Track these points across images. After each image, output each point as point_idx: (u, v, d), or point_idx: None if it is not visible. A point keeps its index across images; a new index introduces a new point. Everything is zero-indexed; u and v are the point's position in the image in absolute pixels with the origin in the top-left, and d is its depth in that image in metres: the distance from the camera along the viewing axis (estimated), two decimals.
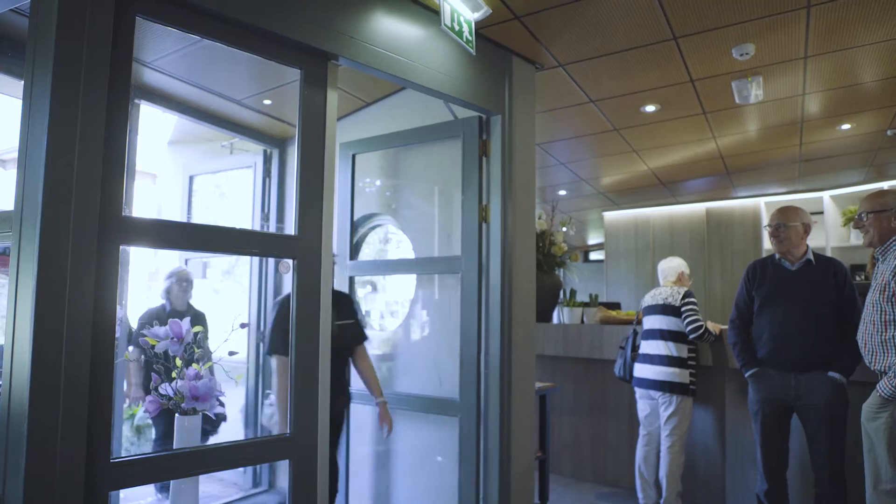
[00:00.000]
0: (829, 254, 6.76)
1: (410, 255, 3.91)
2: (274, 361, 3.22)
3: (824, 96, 4.59)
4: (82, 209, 1.84)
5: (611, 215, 9.14)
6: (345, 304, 3.53)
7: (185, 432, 2.56)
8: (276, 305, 3.39)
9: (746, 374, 3.56)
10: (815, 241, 3.64)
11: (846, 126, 5.29)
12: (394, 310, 4.31)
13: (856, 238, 6.84)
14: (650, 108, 4.78)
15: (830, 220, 7.20)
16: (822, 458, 3.30)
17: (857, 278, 6.28)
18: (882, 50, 3.75)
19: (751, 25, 3.42)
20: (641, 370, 4.11)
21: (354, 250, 4.07)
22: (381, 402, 3.51)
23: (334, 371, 3.43)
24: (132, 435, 5.47)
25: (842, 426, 3.24)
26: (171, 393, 2.57)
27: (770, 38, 3.57)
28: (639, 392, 4.17)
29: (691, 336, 4.00)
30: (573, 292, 5.43)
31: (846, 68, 4.06)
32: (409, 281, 4.01)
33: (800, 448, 3.66)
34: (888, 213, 3.08)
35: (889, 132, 5.40)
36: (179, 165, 5.10)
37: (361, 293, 4.29)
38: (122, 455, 2.02)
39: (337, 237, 3.89)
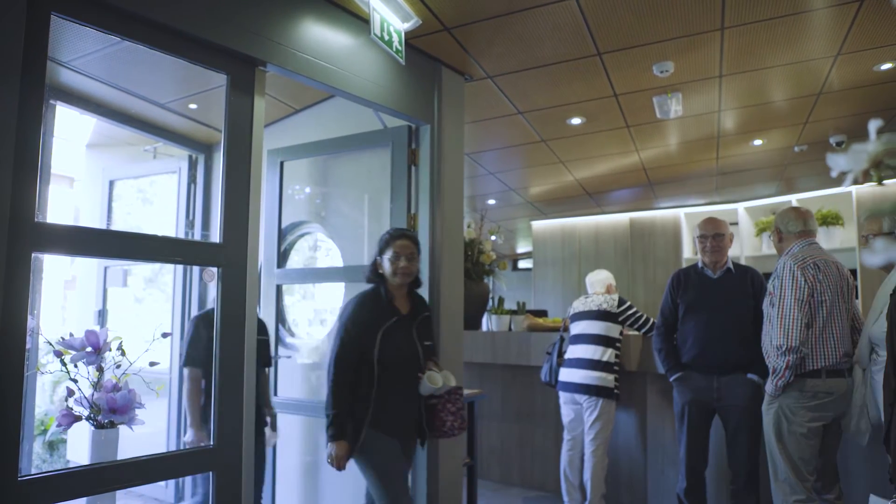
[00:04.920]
0: (743, 262, 7.10)
1: (339, 262, 3.88)
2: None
3: (738, 113, 4.83)
4: None
5: (539, 224, 9.31)
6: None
7: (102, 446, 2.47)
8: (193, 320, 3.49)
9: (672, 378, 3.70)
10: (731, 250, 3.82)
11: (758, 142, 5.58)
12: (322, 318, 4.27)
13: (768, 248, 7.20)
14: (576, 121, 4.91)
15: (745, 230, 7.55)
16: (740, 456, 3.47)
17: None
18: (789, 71, 3.99)
19: (670, 44, 3.57)
20: (568, 374, 4.20)
21: (282, 258, 4.02)
22: None
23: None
24: (44, 451, 5.21)
25: (759, 425, 3.41)
26: (86, 405, 2.47)
27: (688, 56, 3.74)
28: (563, 397, 4.26)
29: (644, 331, 4.17)
30: (501, 300, 5.51)
31: (757, 87, 4.29)
32: (337, 289, 3.98)
33: (715, 447, 3.82)
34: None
35: (796, 148, 5.72)
36: (99, 169, 4.91)
37: (289, 301, 4.23)
38: (33, 472, 1.92)
39: (264, 245, 3.83)
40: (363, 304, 2.82)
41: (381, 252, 2.88)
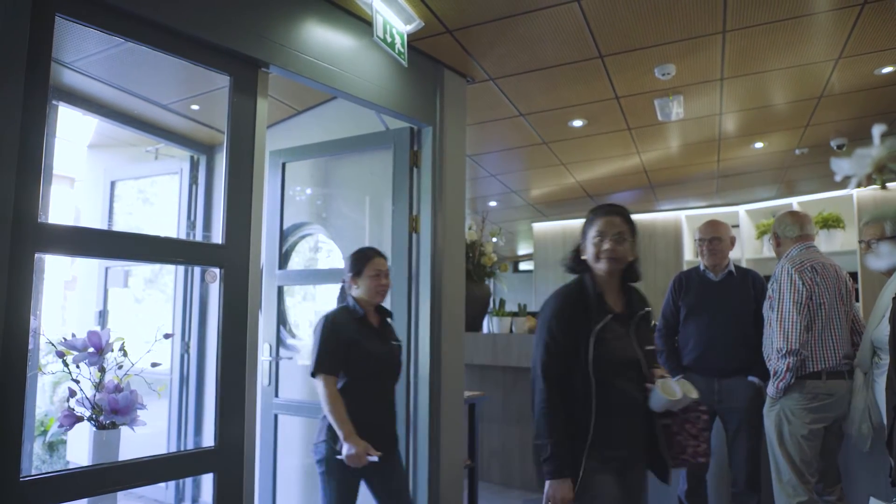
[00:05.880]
0: (744, 265, 7.09)
1: (341, 264, 3.88)
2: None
3: (739, 116, 4.84)
4: None
5: (540, 226, 9.31)
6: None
7: (103, 447, 2.47)
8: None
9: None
10: (732, 252, 3.83)
11: (759, 144, 5.58)
12: None
13: (769, 250, 7.20)
14: (577, 123, 4.91)
15: (746, 233, 7.55)
16: (740, 459, 3.47)
17: None
18: (790, 75, 3.99)
19: (672, 47, 3.58)
20: None
21: (284, 259, 4.02)
22: None
23: None
24: (43, 452, 5.21)
25: (759, 428, 3.42)
26: (88, 406, 2.48)
27: (689, 59, 3.74)
28: None
29: None
30: (502, 302, 5.51)
31: (759, 90, 4.29)
32: (338, 290, 3.97)
33: (716, 449, 3.82)
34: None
35: (797, 151, 5.72)
36: (100, 170, 4.91)
37: (290, 303, 4.23)
38: (34, 473, 1.93)
39: (266, 246, 3.83)
40: (566, 301, 2.22)
41: (583, 233, 2.30)
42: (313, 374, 2.73)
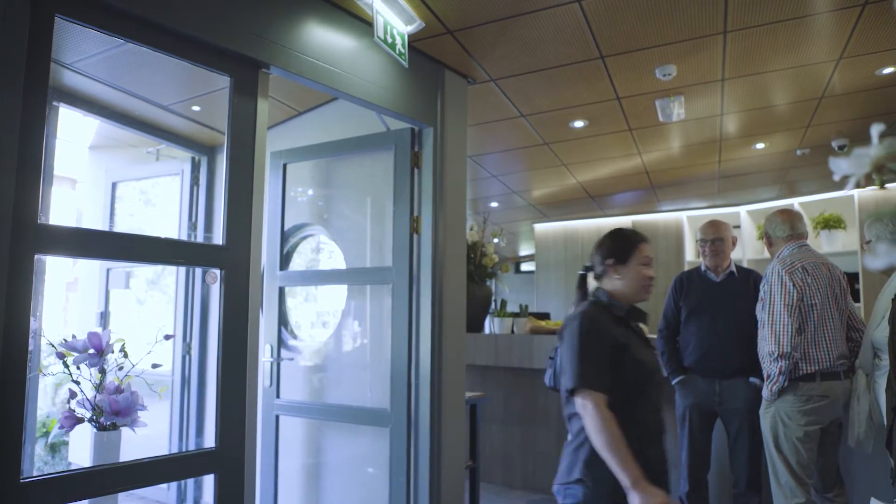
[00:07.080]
0: (746, 265, 7.09)
1: (342, 265, 3.88)
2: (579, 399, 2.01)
3: (740, 117, 4.83)
4: None
5: (541, 227, 9.31)
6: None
7: (104, 448, 2.47)
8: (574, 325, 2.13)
9: (674, 382, 3.70)
10: (733, 253, 3.83)
11: (760, 145, 5.57)
12: (325, 320, 4.27)
13: None
14: (579, 124, 4.91)
15: (747, 233, 7.54)
16: (741, 460, 3.46)
17: None
18: (791, 75, 3.98)
19: (673, 48, 3.57)
20: None
21: (285, 260, 4.02)
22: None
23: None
24: (45, 453, 5.21)
25: (760, 429, 3.42)
26: (88, 407, 2.48)
27: (691, 60, 3.74)
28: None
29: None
30: (504, 303, 5.50)
31: (760, 91, 4.29)
32: (340, 291, 3.98)
33: (717, 450, 3.81)
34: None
35: (798, 152, 5.72)
36: (101, 171, 4.92)
37: (292, 303, 4.23)
38: (35, 474, 1.93)
39: (267, 247, 3.83)
40: None
41: None
42: (572, 392, 2.01)
